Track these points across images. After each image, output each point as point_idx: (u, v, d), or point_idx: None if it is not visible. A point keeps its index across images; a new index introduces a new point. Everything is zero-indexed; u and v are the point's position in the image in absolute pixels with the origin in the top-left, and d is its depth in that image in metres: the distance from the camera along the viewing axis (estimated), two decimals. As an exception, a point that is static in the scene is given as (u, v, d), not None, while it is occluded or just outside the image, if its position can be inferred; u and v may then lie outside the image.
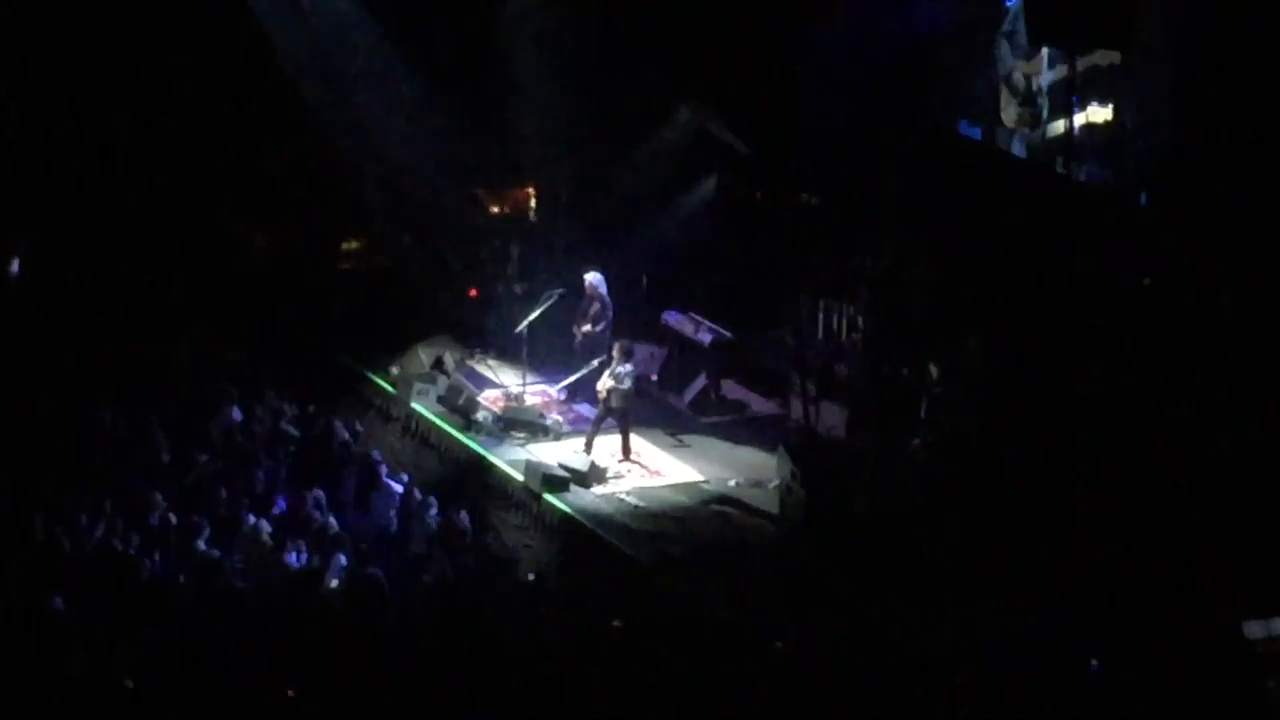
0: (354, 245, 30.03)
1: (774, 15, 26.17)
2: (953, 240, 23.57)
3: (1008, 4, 23.32)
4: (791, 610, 18.78)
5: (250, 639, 17.15)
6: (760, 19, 26.25)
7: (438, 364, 25.62)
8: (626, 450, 23.03)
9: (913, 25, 24.79)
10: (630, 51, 27.95)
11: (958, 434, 21.52)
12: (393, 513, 21.39)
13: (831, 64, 25.37)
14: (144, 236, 27.78)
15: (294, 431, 23.25)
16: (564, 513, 21.60)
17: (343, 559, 19.30)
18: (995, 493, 20.24)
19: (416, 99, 28.90)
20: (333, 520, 20.35)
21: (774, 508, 21.48)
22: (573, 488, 22.05)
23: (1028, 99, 22.89)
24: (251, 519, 19.95)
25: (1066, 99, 21.42)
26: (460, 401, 24.40)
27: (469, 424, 24.07)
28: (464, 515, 21.09)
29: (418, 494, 21.58)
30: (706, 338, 25.18)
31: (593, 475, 22.23)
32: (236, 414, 23.43)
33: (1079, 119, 21.76)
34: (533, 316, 24.56)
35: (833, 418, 23.26)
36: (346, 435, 23.32)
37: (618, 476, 22.56)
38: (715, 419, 24.65)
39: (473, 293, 28.24)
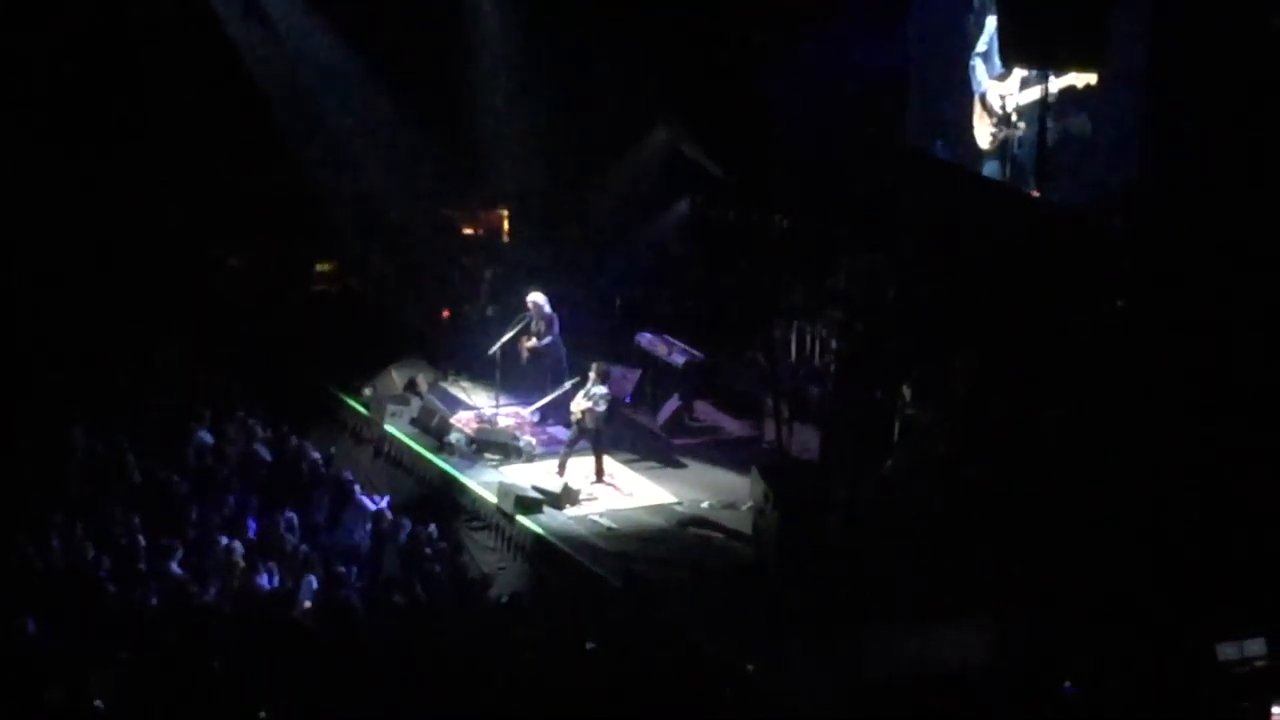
0: (327, 267, 29.97)
1: (747, 38, 26.26)
2: (925, 263, 23.62)
3: (982, 24, 23.41)
4: (763, 632, 18.77)
5: (222, 660, 17.11)
6: (733, 41, 26.33)
7: (411, 385, 25.57)
8: (600, 472, 23.00)
9: (885, 51, 24.94)
10: (604, 74, 28.00)
11: (931, 456, 21.54)
12: (366, 528, 21.35)
13: (804, 86, 25.43)
14: (118, 257, 27.71)
15: (265, 453, 23.19)
16: (537, 534, 21.55)
17: (314, 581, 19.26)
18: (968, 515, 20.25)
19: (389, 121, 28.95)
20: (304, 546, 20.31)
21: (747, 529, 21.43)
22: (545, 509, 22.01)
23: (1002, 120, 22.94)
24: (224, 540, 19.89)
25: (1040, 120, 21.44)
26: (433, 423, 24.37)
27: (442, 445, 24.03)
28: (437, 536, 21.06)
29: (388, 514, 21.53)
30: (680, 359, 25.18)
31: (565, 497, 22.19)
32: (208, 436, 23.37)
33: (1052, 138, 21.80)
34: (506, 338, 24.56)
35: (806, 439, 23.29)
36: (317, 456, 23.26)
37: (591, 498, 22.51)
38: (688, 441, 24.61)
39: (445, 314, 28.21)
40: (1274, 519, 19.02)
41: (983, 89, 23.49)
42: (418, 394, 25.41)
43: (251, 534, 20.76)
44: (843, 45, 25.29)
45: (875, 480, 21.65)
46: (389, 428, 24.71)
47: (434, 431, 24.29)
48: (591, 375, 22.94)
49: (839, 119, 25.06)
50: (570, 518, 21.95)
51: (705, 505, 22.45)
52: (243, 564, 19.55)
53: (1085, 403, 20.42)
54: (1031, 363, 19.84)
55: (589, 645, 18.01)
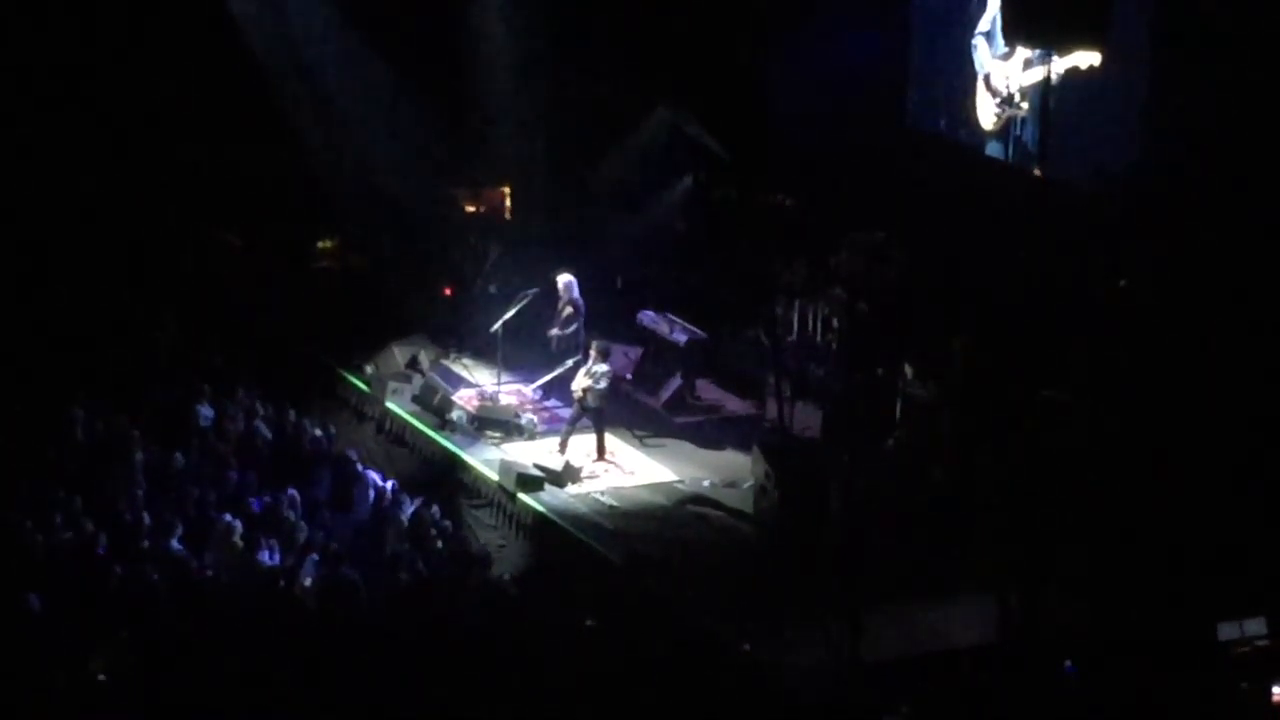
0: (328, 244, 29.92)
1: (748, 16, 26.25)
2: (928, 241, 23.64)
3: (985, 3, 23.40)
4: (764, 610, 18.79)
5: (224, 638, 17.11)
6: (735, 20, 26.32)
7: (413, 363, 25.53)
8: (601, 450, 23.00)
9: (886, 31, 24.96)
10: (606, 52, 27.97)
11: (932, 435, 21.56)
12: (369, 506, 21.36)
13: (807, 65, 25.44)
14: (118, 235, 27.68)
15: (267, 431, 23.17)
16: (538, 512, 21.57)
17: (315, 558, 19.26)
18: (969, 493, 20.28)
19: (392, 98, 28.89)
20: (303, 523, 20.30)
21: (748, 508, 21.47)
22: (547, 487, 22.02)
23: (1005, 100, 22.93)
24: (225, 518, 19.88)
25: (1043, 100, 21.42)
26: (435, 401, 24.35)
27: (444, 423, 24.00)
28: (438, 513, 21.06)
29: (390, 492, 21.53)
30: (681, 338, 25.15)
31: (567, 475, 22.20)
32: (209, 410, 23.33)
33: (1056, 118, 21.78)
34: (508, 316, 24.51)
35: (807, 418, 23.29)
36: (319, 433, 23.22)
37: (592, 476, 22.52)
38: (690, 419, 24.59)
39: (447, 292, 28.17)
40: (1274, 498, 19.06)
41: (986, 69, 23.48)
42: (419, 371, 25.37)
43: (254, 510, 20.74)
44: (844, 24, 25.29)
45: (877, 459, 21.67)
46: (390, 405, 24.68)
47: (436, 409, 24.26)
48: (592, 353, 22.94)
49: (840, 98, 25.06)
50: (572, 496, 21.96)
51: (706, 484, 22.46)
52: (243, 542, 19.54)
53: (1086, 382, 20.45)
54: (1032, 342, 19.83)
55: (589, 623, 18.03)
